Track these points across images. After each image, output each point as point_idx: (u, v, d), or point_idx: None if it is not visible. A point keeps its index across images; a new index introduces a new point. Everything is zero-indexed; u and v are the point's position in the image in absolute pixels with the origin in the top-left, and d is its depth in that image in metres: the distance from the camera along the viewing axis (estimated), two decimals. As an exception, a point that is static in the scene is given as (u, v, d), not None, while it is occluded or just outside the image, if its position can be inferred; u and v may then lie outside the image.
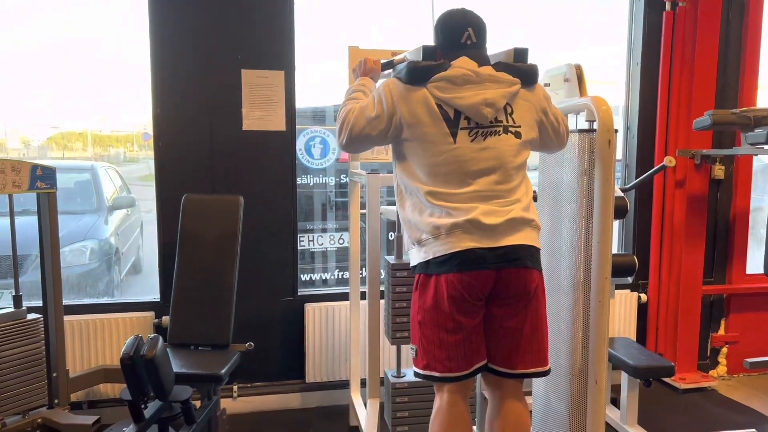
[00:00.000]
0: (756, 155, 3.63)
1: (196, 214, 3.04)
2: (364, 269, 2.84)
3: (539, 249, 1.88)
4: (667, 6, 3.55)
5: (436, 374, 1.84)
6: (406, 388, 2.40)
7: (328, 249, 3.83)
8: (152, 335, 2.40)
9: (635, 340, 3.54)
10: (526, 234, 1.82)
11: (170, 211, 3.14)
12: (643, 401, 3.18)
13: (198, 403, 2.88)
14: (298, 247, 3.40)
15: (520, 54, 1.92)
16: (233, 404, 3.25)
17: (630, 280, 3.02)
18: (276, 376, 3.37)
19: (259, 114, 3.19)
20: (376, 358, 2.45)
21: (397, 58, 2.12)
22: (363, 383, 2.96)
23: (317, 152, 3.68)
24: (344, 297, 3.26)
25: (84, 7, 4.21)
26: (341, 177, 3.80)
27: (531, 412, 2.43)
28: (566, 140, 2.05)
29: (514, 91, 1.83)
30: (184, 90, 3.13)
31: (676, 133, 3.59)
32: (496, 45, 2.01)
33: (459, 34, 1.87)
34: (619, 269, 2.89)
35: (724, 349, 3.88)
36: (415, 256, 1.90)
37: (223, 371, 2.65)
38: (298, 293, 3.38)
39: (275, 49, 3.19)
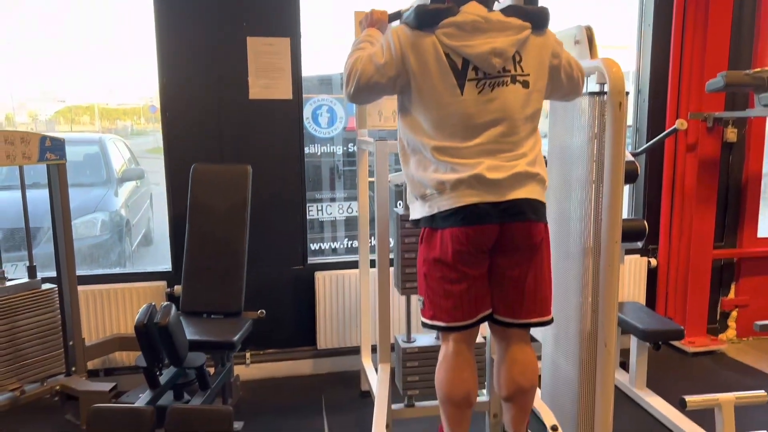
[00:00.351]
0: (769, 117, 3.58)
1: (205, 184, 3.05)
2: (372, 238, 2.85)
3: (543, 203, 1.87)
4: (680, -36, 3.47)
5: (442, 324, 1.88)
6: (416, 353, 2.42)
7: (337, 218, 3.84)
8: (165, 303, 2.43)
9: (645, 305, 3.55)
10: (530, 188, 1.81)
11: (179, 182, 3.15)
12: (653, 365, 3.20)
13: (212, 370, 2.94)
14: (307, 217, 3.41)
15: None
16: (246, 371, 3.31)
17: (640, 244, 3.02)
18: (288, 343, 3.42)
19: (265, 82, 3.17)
20: (387, 323, 2.47)
21: (404, 8, 2.09)
22: (374, 349, 3.00)
23: (324, 121, 3.66)
24: (354, 265, 3.28)
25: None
26: (349, 146, 3.79)
27: (541, 371, 2.46)
28: (582, 86, 2.01)
29: (523, 37, 1.79)
30: (190, 59, 3.11)
31: (688, 95, 3.53)
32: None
33: None
34: (629, 234, 2.89)
35: (734, 313, 3.88)
36: (419, 210, 1.91)
37: (236, 338, 2.69)
38: (309, 261, 3.40)
39: (280, 16, 3.15)
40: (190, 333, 2.69)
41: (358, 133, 3.03)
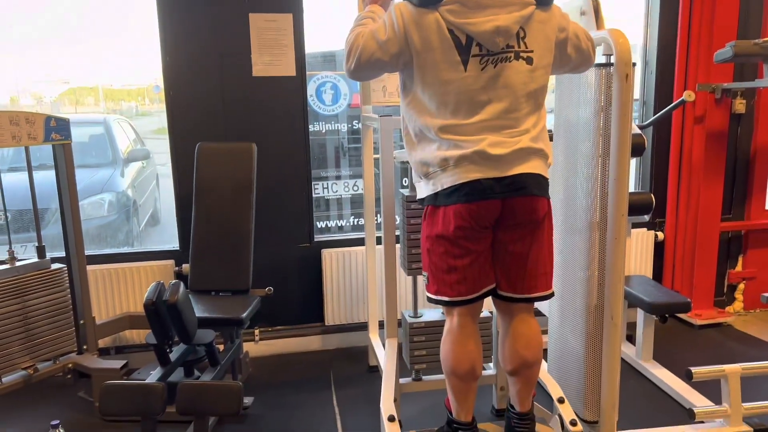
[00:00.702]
0: (779, 88, 3.53)
1: (211, 162, 3.05)
2: (378, 215, 2.86)
3: (546, 178, 1.87)
4: (689, -68, 3.39)
5: (446, 298, 1.90)
6: (423, 328, 2.44)
7: (343, 196, 3.84)
8: (174, 281, 2.45)
9: (651, 278, 3.55)
10: (533, 163, 1.81)
11: (184, 161, 3.15)
12: (659, 337, 3.21)
13: (221, 347, 2.97)
14: (313, 195, 3.41)
15: None
16: (255, 347, 3.34)
17: (647, 218, 3.00)
18: (296, 320, 3.45)
19: (268, 59, 3.15)
20: (393, 299, 2.48)
21: None
22: (381, 325, 3.02)
23: (328, 98, 3.64)
24: (360, 242, 3.29)
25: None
26: (353, 123, 3.77)
27: (547, 347, 2.47)
28: (593, 56, 1.98)
29: (527, 14, 1.77)
30: (192, 37, 3.09)
31: (696, 67, 3.48)
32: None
33: None
34: (636, 207, 2.88)
35: (741, 285, 3.88)
36: (423, 189, 1.91)
37: (245, 314, 2.72)
38: (315, 239, 3.42)
39: (282, -8, 3.12)
40: (199, 310, 2.72)
41: (362, 109, 3.01)
